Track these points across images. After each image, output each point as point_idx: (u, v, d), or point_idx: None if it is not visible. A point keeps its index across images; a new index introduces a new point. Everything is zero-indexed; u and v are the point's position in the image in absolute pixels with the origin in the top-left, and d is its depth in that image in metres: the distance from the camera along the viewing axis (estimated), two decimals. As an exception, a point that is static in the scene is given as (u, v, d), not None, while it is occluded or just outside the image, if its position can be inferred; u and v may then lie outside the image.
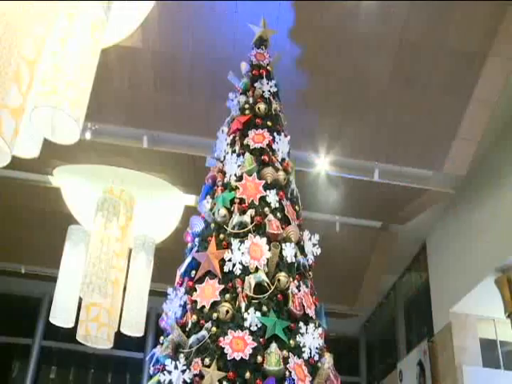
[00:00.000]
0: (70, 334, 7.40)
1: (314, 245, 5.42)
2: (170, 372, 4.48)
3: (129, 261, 8.01)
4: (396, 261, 10.72)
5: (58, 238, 7.87)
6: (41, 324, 13.15)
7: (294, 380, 4.35)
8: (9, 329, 13.23)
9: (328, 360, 4.79)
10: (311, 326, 4.76)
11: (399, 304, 11.64)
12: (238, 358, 4.33)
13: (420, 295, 10.47)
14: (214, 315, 4.59)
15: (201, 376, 4.34)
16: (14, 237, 10.81)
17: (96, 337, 7.26)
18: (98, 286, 6.94)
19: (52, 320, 7.41)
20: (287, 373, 4.37)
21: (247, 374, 4.30)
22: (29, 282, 12.49)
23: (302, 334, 4.66)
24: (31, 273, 12.05)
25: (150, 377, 5.14)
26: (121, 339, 7.08)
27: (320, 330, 4.86)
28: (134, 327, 7.41)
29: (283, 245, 4.99)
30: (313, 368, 4.61)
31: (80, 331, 7.33)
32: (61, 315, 7.34)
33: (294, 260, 5.00)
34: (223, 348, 4.37)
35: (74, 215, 8.37)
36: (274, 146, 5.75)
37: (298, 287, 4.91)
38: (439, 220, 9.56)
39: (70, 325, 7.38)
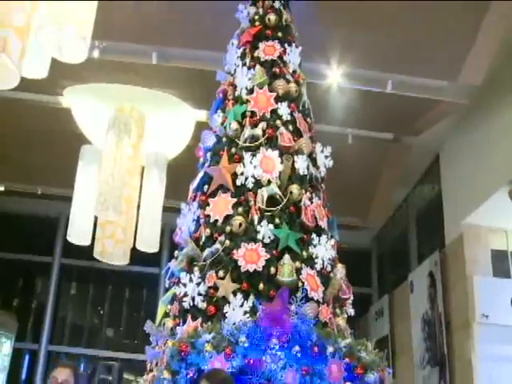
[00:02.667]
0: (87, 251, 7.53)
1: (327, 157, 5.38)
2: (185, 285, 4.58)
3: (142, 178, 8.02)
4: (408, 173, 10.67)
5: (72, 158, 7.87)
6: (59, 243, 13.44)
7: (306, 290, 4.43)
8: (30, 248, 13.58)
9: (340, 271, 4.87)
10: (324, 237, 4.80)
11: (411, 216, 11.70)
12: (251, 270, 4.40)
13: (432, 207, 10.50)
14: (227, 228, 4.64)
15: (215, 288, 4.43)
16: (29, 159, 10.85)
17: (112, 253, 7.40)
18: (112, 204, 6.99)
19: (69, 238, 7.54)
20: (300, 283, 4.45)
21: (261, 285, 4.39)
22: (45, 203, 12.67)
23: (315, 246, 4.71)
24: (47, 194, 12.20)
25: (166, 290, 5.28)
26: (136, 255, 7.21)
27: (332, 241, 4.91)
28: (149, 243, 7.53)
29: (295, 157, 4.95)
30: (325, 278, 4.69)
31: (97, 248, 7.46)
32: (77, 234, 7.46)
33: (306, 172, 4.98)
34: (237, 260, 4.44)
35: (85, 135, 8.32)
36: (285, 58, 5.60)
37: (311, 199, 4.92)
38: (453, 132, 9.41)
39: (87, 242, 7.50)
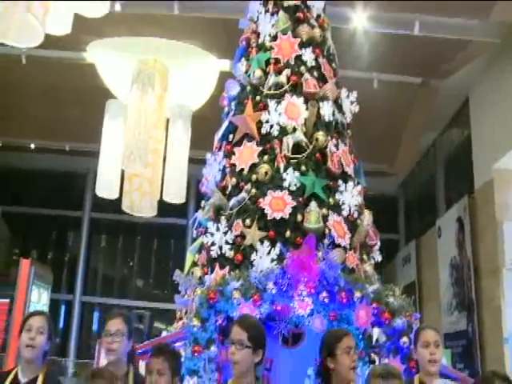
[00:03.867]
0: (115, 204, 7.63)
1: (352, 102, 5.28)
2: (212, 234, 4.63)
3: (167, 131, 8.01)
4: (436, 117, 10.43)
5: (97, 113, 7.89)
6: (88, 197, 13.67)
7: (333, 237, 4.44)
8: (61, 203, 13.86)
9: (367, 217, 4.85)
10: (350, 183, 4.77)
11: (439, 161, 11.52)
12: (277, 218, 4.42)
13: (461, 152, 10.30)
14: (253, 177, 4.64)
15: (242, 236, 4.47)
16: (56, 116, 10.92)
17: (140, 206, 7.46)
18: (138, 157, 7.01)
19: (98, 193, 7.62)
20: (327, 230, 4.46)
21: (287, 233, 4.41)
22: (74, 159, 12.82)
23: (341, 192, 4.69)
24: (75, 149, 12.33)
25: (194, 240, 5.34)
26: (164, 207, 7.27)
27: (359, 187, 4.87)
28: (176, 195, 7.57)
29: (320, 103, 4.88)
30: (352, 225, 4.68)
31: (125, 201, 7.53)
32: (105, 188, 7.52)
33: (331, 118, 4.91)
34: (263, 208, 4.46)
35: (110, 90, 8.31)
36: (309, 3, 5.45)
37: (337, 146, 4.87)
38: (483, 74, 9.11)
39: (115, 196, 7.58)
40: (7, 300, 8.74)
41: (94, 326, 13.75)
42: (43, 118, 11.09)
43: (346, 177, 4.83)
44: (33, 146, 12.42)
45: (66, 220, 14.43)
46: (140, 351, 4.76)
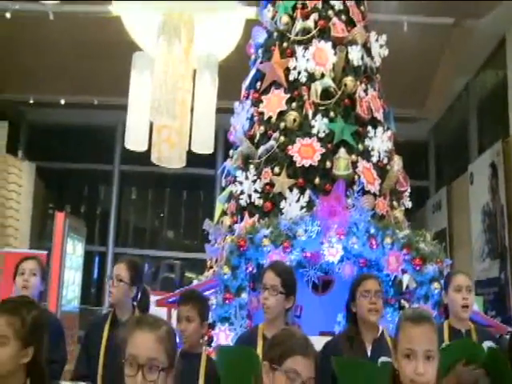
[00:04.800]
0: (145, 157, 7.69)
1: (381, 46, 5.13)
2: (241, 183, 4.64)
3: (194, 81, 7.97)
4: (469, 60, 10.05)
5: (124, 67, 7.88)
6: (118, 150, 13.76)
7: (363, 183, 4.41)
8: (91, 157, 14.00)
9: (397, 163, 4.78)
10: (379, 129, 4.69)
11: (472, 105, 11.19)
12: (306, 165, 4.40)
13: (495, 95, 9.97)
14: (282, 125, 4.60)
15: (271, 184, 4.47)
16: (83, 70, 10.91)
17: (169, 157, 7.51)
18: (166, 109, 7.00)
19: (127, 146, 7.70)
20: (356, 177, 4.43)
21: (316, 180, 4.39)
22: (103, 113, 12.85)
23: (371, 138, 4.62)
24: (104, 103, 12.35)
25: (223, 189, 5.36)
26: (192, 158, 7.29)
27: (389, 133, 4.80)
28: (204, 145, 7.57)
29: (349, 48, 4.76)
30: (382, 171, 4.63)
31: (153, 153, 7.59)
32: (134, 140, 7.57)
33: (360, 63, 4.80)
34: (292, 156, 4.43)
35: (136, 42, 8.25)
36: None
37: (366, 91, 4.77)
38: (521, 11, 8.71)
39: (144, 148, 7.64)
40: (45, 252, 8.98)
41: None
42: (72, 73, 11.11)
43: (375, 122, 4.75)
44: (63, 101, 12.50)
45: (97, 174, 14.61)
46: (172, 300, 4.87)
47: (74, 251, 10.78)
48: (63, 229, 10.17)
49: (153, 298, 4.52)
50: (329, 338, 3.06)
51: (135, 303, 3.16)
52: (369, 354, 2.77)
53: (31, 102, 12.54)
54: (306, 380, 1.76)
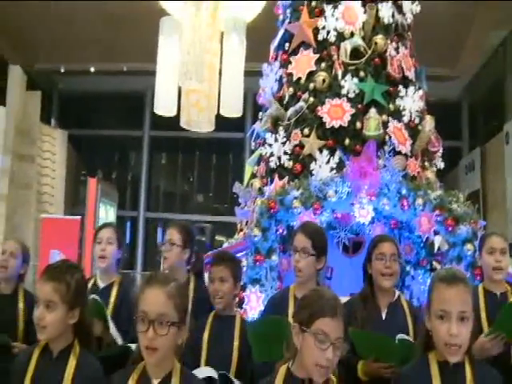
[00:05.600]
0: (174, 122, 7.71)
1: (413, 2, 4.98)
2: (270, 145, 4.62)
3: (222, 45, 7.89)
4: (506, 13, 9.68)
5: (152, 32, 7.84)
6: (147, 116, 13.82)
7: (394, 144, 4.34)
8: (121, 123, 14.11)
9: (429, 123, 4.68)
10: (411, 88, 4.60)
11: (508, 62, 10.81)
12: (336, 126, 4.34)
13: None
14: (311, 85, 4.54)
15: (301, 146, 4.43)
16: (111, 38, 10.91)
17: (198, 121, 7.51)
18: (194, 73, 6.97)
19: (156, 111, 7.73)
20: (387, 137, 4.36)
21: (346, 141, 4.34)
22: (132, 79, 12.88)
23: (402, 98, 4.54)
24: (132, 70, 12.37)
25: (252, 152, 5.34)
26: (221, 121, 7.29)
27: (420, 92, 4.69)
28: (233, 108, 7.53)
29: (379, 5, 4.62)
30: (413, 131, 4.55)
31: (182, 118, 7.61)
32: (163, 105, 7.58)
33: (391, 21, 4.66)
34: (321, 117, 4.38)
35: (164, 7, 8.18)
36: None
37: (397, 49, 4.65)
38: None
39: (173, 113, 7.65)
40: (79, 217, 9.17)
41: (158, 240, 14.28)
42: (101, 41, 11.13)
43: (406, 81, 4.65)
44: (92, 69, 12.57)
45: (128, 140, 14.73)
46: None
47: (107, 216, 10.97)
48: (96, 194, 10.36)
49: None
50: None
51: (188, 267, 3.19)
52: (383, 317, 2.75)
53: (62, 71, 12.65)
54: (334, 341, 1.77)
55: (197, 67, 7.52)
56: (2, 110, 11.02)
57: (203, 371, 2.44)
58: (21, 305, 3.29)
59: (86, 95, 13.76)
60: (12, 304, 3.30)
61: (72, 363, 1.95)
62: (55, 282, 1.97)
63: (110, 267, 3.11)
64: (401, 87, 4.56)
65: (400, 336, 2.47)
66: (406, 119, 4.50)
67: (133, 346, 2.55)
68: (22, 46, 11.49)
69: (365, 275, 2.88)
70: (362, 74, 4.44)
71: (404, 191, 4.00)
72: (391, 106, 4.46)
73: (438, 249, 4.13)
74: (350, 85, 4.38)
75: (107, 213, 11.03)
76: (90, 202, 10.31)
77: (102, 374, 2.05)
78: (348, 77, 4.40)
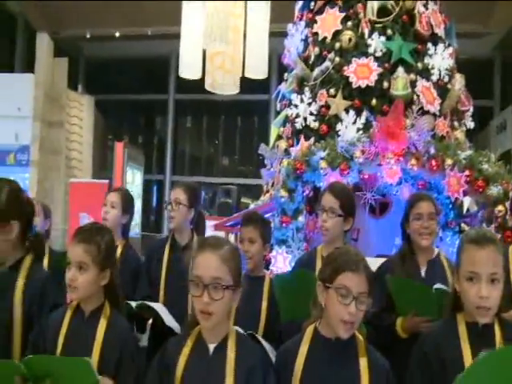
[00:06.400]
0: (199, 85, 7.67)
1: (443, -45, 4.82)
2: (296, 106, 4.58)
3: (246, 6, 7.77)
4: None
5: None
6: (172, 80, 13.80)
7: (422, 103, 4.26)
8: (146, 88, 14.12)
9: (459, 81, 4.58)
10: (440, 46, 4.48)
11: (544, 17, 10.46)
12: (363, 86, 4.27)
13: None
14: (337, 45, 4.45)
15: (327, 106, 4.38)
16: (135, 2, 10.87)
17: (222, 84, 7.45)
18: (218, 35, 6.90)
19: (181, 74, 7.68)
20: (415, 96, 4.28)
21: (373, 101, 4.28)
22: (156, 43, 12.83)
23: (431, 56, 4.43)
24: (157, 34, 12.30)
25: (277, 113, 5.30)
26: (246, 83, 7.23)
27: (450, 49, 4.57)
28: (258, 70, 7.45)
29: (407, -41, 4.49)
30: (442, 90, 4.46)
31: (207, 81, 7.55)
32: (188, 69, 7.53)
33: (420, -25, 4.53)
34: (348, 77, 4.31)
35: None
36: None
37: (426, 5, 4.53)
38: None
39: (198, 76, 7.60)
40: (106, 181, 9.28)
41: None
42: (125, 5, 11.07)
43: (435, 39, 4.54)
44: (117, 34, 12.55)
45: (153, 104, 14.75)
46: (230, 223, 4.95)
47: (134, 180, 11.09)
48: (123, 158, 10.46)
49: (211, 223, 4.60)
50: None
51: (192, 227, 3.21)
52: (423, 274, 2.73)
53: (88, 36, 12.64)
54: (357, 295, 1.76)
55: (221, 29, 7.44)
56: (31, 78, 11.10)
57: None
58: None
59: (111, 60, 13.78)
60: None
61: (103, 323, 1.98)
62: (86, 243, 1.99)
63: (112, 230, 3.16)
64: (429, 45, 4.45)
65: (437, 285, 2.44)
66: (434, 78, 4.40)
67: (133, 304, 2.65)
68: (48, 13, 11.49)
69: (403, 234, 2.85)
70: (389, 31, 4.34)
71: (432, 151, 3.93)
72: (419, 65, 4.36)
73: (468, 210, 4.07)
74: (376, 43, 4.29)
75: (134, 176, 11.14)
76: (118, 166, 10.42)
77: (132, 335, 2.09)
78: (375, 35, 4.31)
